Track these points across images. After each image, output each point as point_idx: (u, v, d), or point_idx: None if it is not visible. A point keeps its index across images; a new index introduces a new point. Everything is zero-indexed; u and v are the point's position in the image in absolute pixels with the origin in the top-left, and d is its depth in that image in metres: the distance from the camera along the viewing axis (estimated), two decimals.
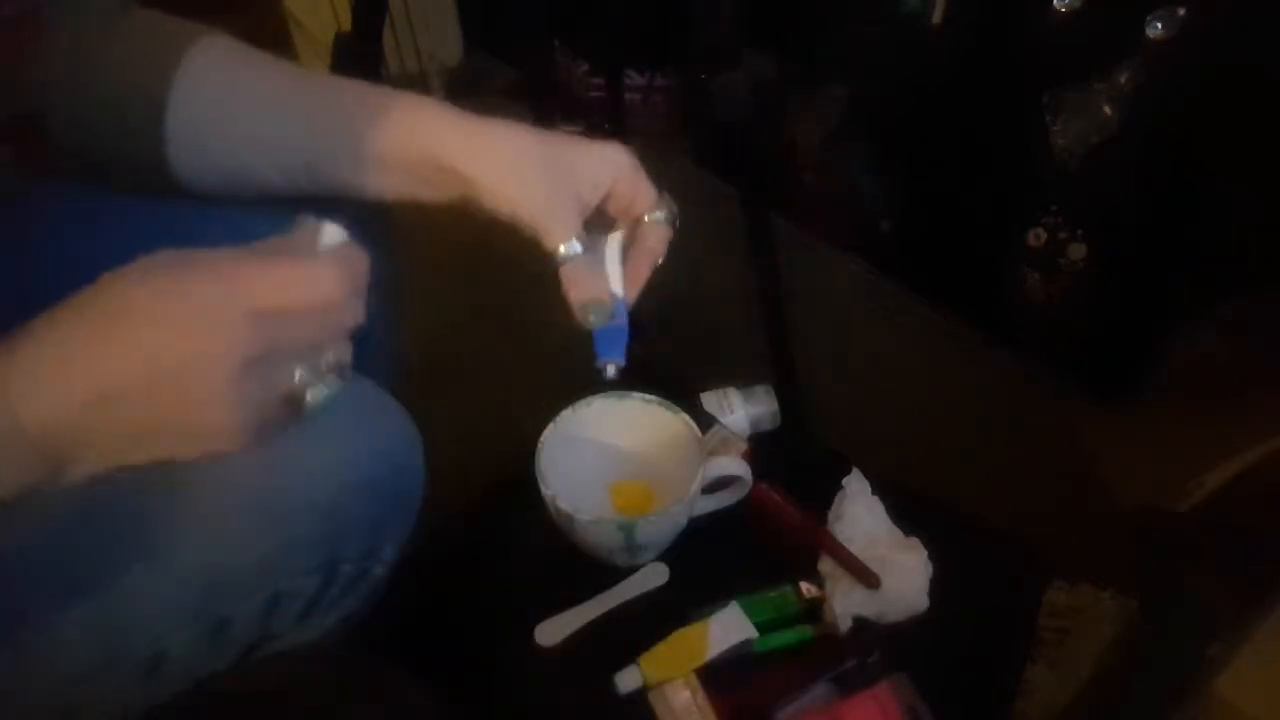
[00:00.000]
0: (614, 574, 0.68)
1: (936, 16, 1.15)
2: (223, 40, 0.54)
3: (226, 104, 0.53)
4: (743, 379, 0.81)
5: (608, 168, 0.54)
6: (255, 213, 0.59)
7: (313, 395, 0.41)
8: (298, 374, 0.41)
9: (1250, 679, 0.63)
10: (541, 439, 0.66)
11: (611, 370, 0.57)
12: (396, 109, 0.52)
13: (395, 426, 0.53)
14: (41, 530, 0.38)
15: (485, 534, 0.73)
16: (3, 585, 0.41)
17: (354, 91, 0.53)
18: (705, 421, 0.73)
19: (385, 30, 1.50)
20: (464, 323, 1.21)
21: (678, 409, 0.68)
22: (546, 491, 0.63)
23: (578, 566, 0.67)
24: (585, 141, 0.54)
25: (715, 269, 1.37)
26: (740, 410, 0.78)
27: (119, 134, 0.52)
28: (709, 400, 0.78)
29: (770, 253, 1.00)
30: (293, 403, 0.42)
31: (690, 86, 1.50)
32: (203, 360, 0.37)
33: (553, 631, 0.65)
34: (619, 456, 0.70)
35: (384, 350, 0.47)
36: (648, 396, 0.69)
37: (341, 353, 0.43)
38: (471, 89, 1.60)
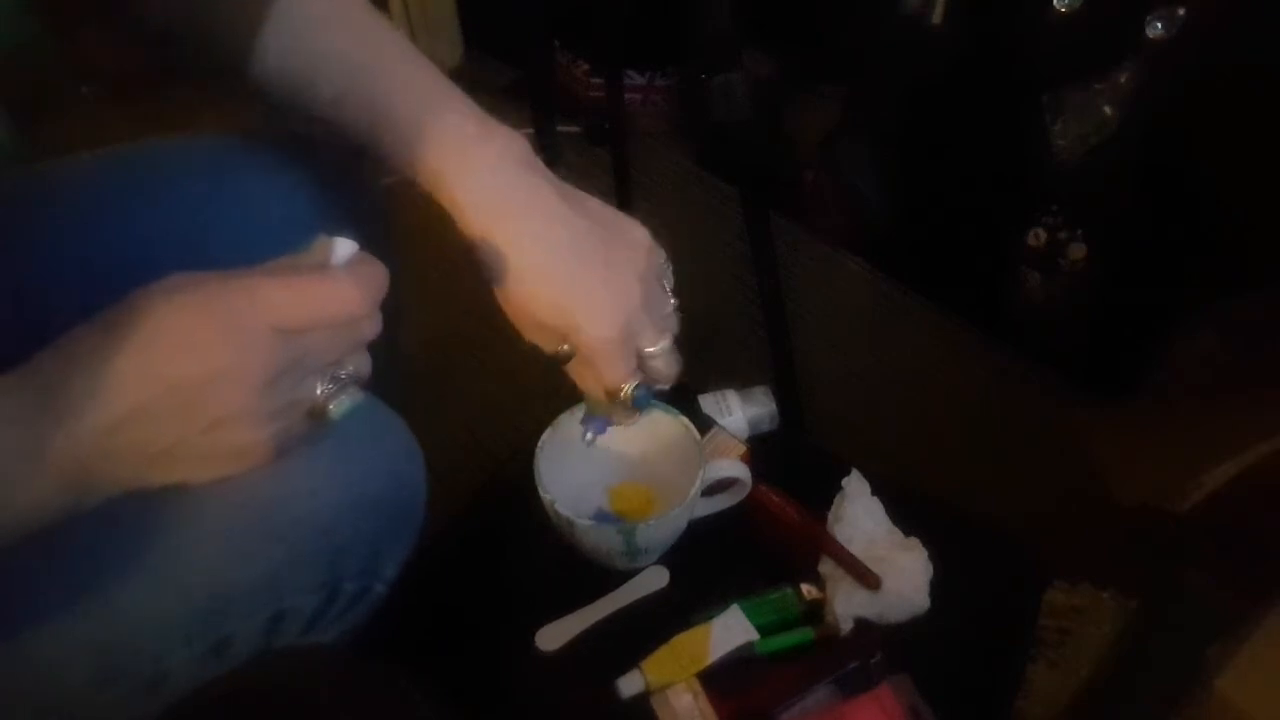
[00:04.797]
0: (614, 578, 0.68)
1: (936, 16, 1.15)
2: None
3: (307, 39, 0.52)
4: (742, 379, 0.81)
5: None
6: (257, 217, 0.59)
7: (335, 408, 0.42)
8: (320, 388, 0.41)
9: (1250, 679, 0.63)
10: (539, 443, 0.65)
11: (590, 437, 0.64)
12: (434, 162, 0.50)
13: (399, 443, 0.52)
14: (39, 537, 0.38)
15: (484, 538, 0.73)
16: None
17: (413, 98, 0.51)
18: (704, 423, 0.73)
19: None
20: (464, 324, 1.21)
21: (676, 411, 0.68)
22: (545, 496, 0.63)
23: (578, 570, 0.67)
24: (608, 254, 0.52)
25: (715, 269, 1.37)
26: (739, 412, 0.78)
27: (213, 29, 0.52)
28: (707, 402, 0.78)
29: (770, 252, 1.00)
30: (315, 415, 0.42)
31: (690, 86, 1.50)
32: (227, 379, 0.38)
33: (553, 636, 0.65)
34: (617, 459, 0.69)
35: (386, 357, 0.47)
36: None
37: (361, 364, 0.43)
38: (471, 89, 1.60)
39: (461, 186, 0.50)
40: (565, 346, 0.53)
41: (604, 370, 0.54)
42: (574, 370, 0.56)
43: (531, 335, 0.54)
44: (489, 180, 0.50)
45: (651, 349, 0.55)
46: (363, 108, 0.51)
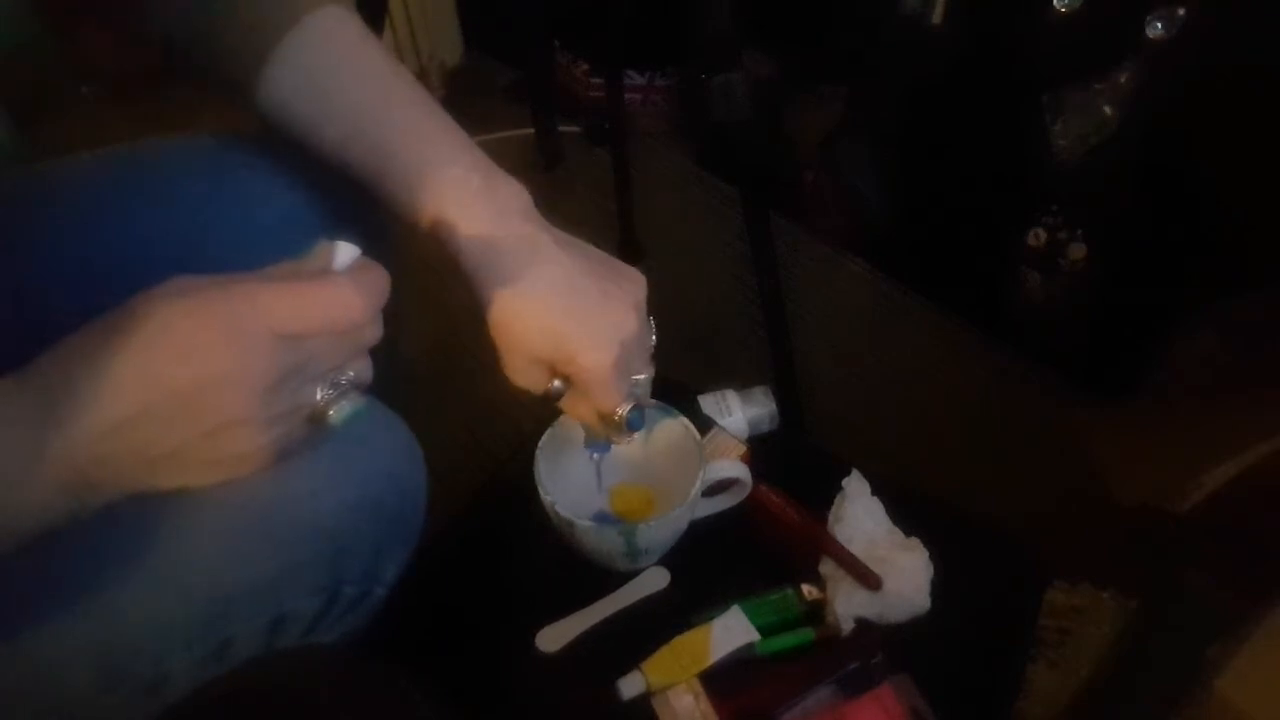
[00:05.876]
0: (615, 579, 0.68)
1: (936, 16, 1.15)
2: (346, 17, 0.54)
3: (317, 80, 0.53)
4: (742, 379, 0.81)
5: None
6: (257, 217, 0.59)
7: (335, 413, 0.42)
8: (320, 393, 0.41)
9: (1250, 679, 0.64)
10: (539, 444, 0.65)
11: (597, 457, 0.66)
12: (434, 199, 0.52)
13: (399, 444, 0.52)
14: (39, 541, 0.38)
15: (484, 538, 0.72)
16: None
17: (415, 141, 0.52)
18: (704, 424, 0.72)
19: (385, 30, 1.51)
20: (463, 323, 1.21)
21: (676, 412, 0.68)
22: (545, 497, 0.63)
23: (578, 571, 0.67)
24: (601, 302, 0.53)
25: (715, 269, 1.37)
26: (738, 412, 0.77)
27: (223, 58, 0.53)
28: (707, 402, 0.78)
29: (770, 252, 1.00)
30: (315, 421, 0.42)
31: (690, 86, 1.50)
32: (228, 385, 0.38)
33: (554, 637, 0.65)
34: (618, 460, 0.69)
35: (386, 358, 0.47)
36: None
37: (362, 370, 0.43)
38: (471, 89, 1.60)
39: (462, 235, 0.51)
40: (556, 383, 0.55)
41: (600, 395, 0.55)
42: (567, 404, 0.58)
43: (523, 376, 0.55)
44: (489, 229, 0.51)
45: (639, 377, 0.57)
46: (368, 153, 0.52)
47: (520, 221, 0.52)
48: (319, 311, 0.39)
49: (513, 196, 0.53)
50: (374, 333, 0.42)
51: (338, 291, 0.40)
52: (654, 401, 0.63)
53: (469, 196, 0.51)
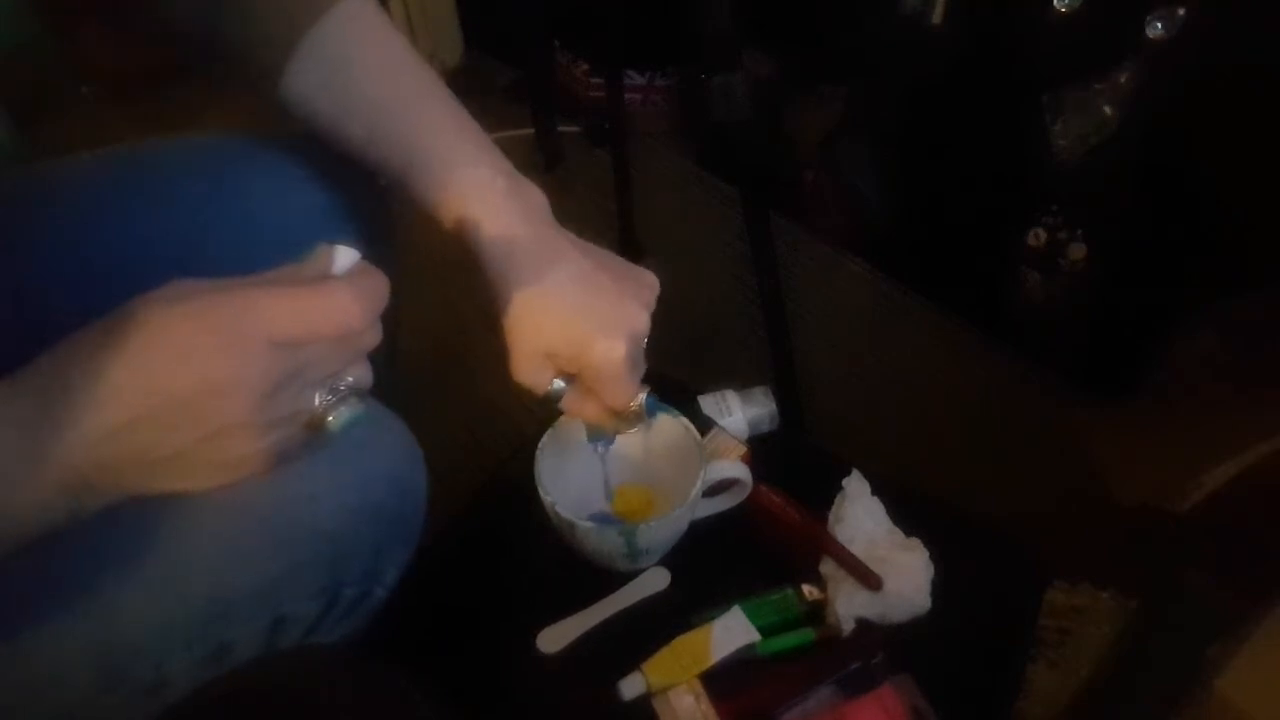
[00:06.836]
0: (615, 579, 0.68)
1: (936, 16, 1.15)
2: (368, 8, 0.54)
3: (341, 74, 0.54)
4: (742, 379, 0.81)
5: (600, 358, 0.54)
6: (257, 217, 0.59)
7: (334, 419, 0.42)
8: (318, 399, 0.41)
9: (1250, 679, 0.64)
10: (540, 444, 0.65)
11: (602, 450, 0.66)
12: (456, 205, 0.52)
13: (399, 446, 0.52)
14: (39, 541, 0.38)
15: (484, 538, 0.72)
16: None
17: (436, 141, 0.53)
18: (704, 424, 0.72)
19: None
20: (464, 324, 1.21)
21: (676, 412, 0.68)
22: (546, 498, 0.63)
23: (578, 571, 0.67)
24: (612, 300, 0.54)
25: (715, 269, 1.37)
26: (738, 412, 0.77)
27: (246, 53, 0.53)
28: (707, 403, 0.78)
29: (770, 252, 1.00)
30: (313, 427, 0.42)
31: (690, 86, 1.50)
32: (225, 391, 0.38)
33: (555, 638, 0.65)
34: (618, 460, 0.69)
35: (386, 359, 0.47)
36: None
37: (361, 375, 0.43)
38: (471, 89, 1.60)
39: (487, 234, 0.52)
40: (558, 383, 0.55)
41: (613, 388, 0.55)
42: (570, 403, 0.58)
43: (530, 373, 0.55)
44: (513, 230, 0.52)
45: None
46: (394, 150, 0.53)
47: (542, 223, 0.54)
48: (317, 317, 0.39)
49: (536, 199, 0.54)
50: (373, 338, 0.42)
51: (336, 297, 0.39)
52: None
53: (495, 197, 0.52)
